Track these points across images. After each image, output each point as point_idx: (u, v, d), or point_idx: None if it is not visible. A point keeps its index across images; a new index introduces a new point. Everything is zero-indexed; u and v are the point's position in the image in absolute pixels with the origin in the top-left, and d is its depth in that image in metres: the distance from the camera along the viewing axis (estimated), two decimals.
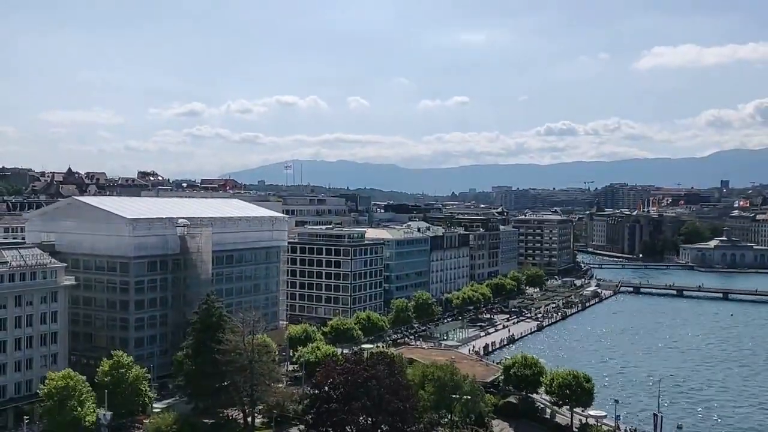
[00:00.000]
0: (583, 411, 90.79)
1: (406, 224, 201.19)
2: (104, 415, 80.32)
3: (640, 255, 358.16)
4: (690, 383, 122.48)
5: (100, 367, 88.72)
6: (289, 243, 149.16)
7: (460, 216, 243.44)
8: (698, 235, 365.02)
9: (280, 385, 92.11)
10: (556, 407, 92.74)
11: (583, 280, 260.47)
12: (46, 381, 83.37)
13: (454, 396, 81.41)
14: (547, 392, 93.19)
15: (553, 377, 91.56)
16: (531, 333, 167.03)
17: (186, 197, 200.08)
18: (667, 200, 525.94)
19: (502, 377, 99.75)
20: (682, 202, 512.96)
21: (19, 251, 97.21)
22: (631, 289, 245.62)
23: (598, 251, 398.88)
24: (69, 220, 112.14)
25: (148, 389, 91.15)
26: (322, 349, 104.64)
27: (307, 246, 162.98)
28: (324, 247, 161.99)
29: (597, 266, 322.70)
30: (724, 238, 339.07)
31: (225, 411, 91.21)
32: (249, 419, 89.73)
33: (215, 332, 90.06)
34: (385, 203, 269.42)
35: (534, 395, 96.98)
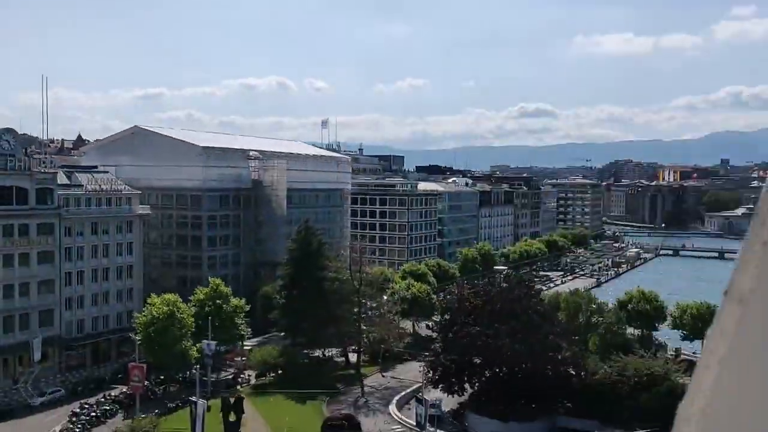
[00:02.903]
0: None
1: (452, 180, 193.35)
2: (208, 344, 72.27)
3: (663, 224, 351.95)
4: None
5: (194, 295, 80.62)
6: None
7: (499, 174, 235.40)
8: (722, 204, 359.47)
9: (389, 317, 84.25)
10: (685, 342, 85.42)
11: (619, 243, 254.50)
12: (146, 306, 75.38)
13: (596, 321, 74.21)
14: (674, 326, 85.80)
15: (684, 309, 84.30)
16: (592, 288, 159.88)
17: None
18: (676, 175, 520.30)
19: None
20: (695, 175, 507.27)
21: (92, 175, 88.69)
22: (671, 252, 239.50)
23: (617, 222, 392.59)
24: (132, 151, 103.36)
25: (243, 323, 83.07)
26: (416, 286, 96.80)
27: (359, 197, 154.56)
28: (378, 198, 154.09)
29: (623, 234, 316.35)
30: (751, 206, 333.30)
31: (326, 348, 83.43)
32: (355, 355, 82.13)
33: (316, 260, 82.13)
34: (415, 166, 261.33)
35: (654, 332, 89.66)
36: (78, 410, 64.72)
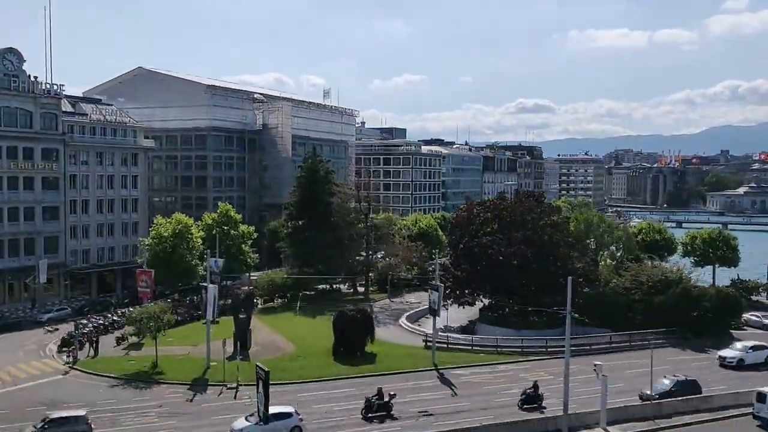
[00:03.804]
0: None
1: (456, 146, 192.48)
2: (215, 261, 71.24)
3: (665, 205, 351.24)
4: None
5: (202, 220, 79.79)
6: None
7: (503, 143, 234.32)
8: (724, 185, 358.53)
9: (398, 239, 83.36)
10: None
11: (623, 218, 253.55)
12: (154, 224, 74.61)
13: (608, 240, 73.37)
14: (685, 254, 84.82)
15: (694, 236, 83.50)
16: None
17: None
18: (678, 162, 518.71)
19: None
20: (695, 161, 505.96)
21: (97, 106, 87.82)
22: (674, 224, 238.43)
23: (618, 204, 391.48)
24: (135, 92, 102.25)
25: (251, 251, 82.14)
26: (423, 221, 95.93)
27: (362, 157, 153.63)
28: (382, 157, 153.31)
29: (626, 211, 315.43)
30: (753, 185, 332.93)
31: (334, 277, 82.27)
32: (364, 283, 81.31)
33: (324, 186, 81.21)
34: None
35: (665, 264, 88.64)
36: (85, 321, 63.93)
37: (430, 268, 78.91)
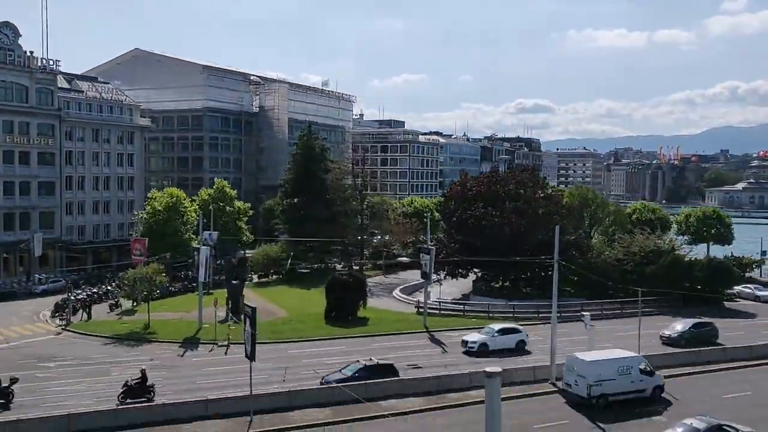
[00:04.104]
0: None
1: (454, 136, 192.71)
2: (210, 234, 71.51)
3: (664, 201, 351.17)
4: None
5: (199, 195, 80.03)
6: None
7: (501, 136, 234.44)
8: (723, 182, 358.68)
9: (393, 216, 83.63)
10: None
11: None
12: (148, 197, 74.88)
13: (601, 215, 73.62)
14: (679, 232, 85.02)
15: (688, 214, 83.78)
16: None
17: None
18: (678, 160, 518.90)
19: None
20: (694, 158, 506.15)
21: (94, 84, 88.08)
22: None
23: (617, 201, 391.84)
24: (132, 74, 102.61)
25: (246, 228, 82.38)
26: (418, 202, 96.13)
27: (360, 144, 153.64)
28: (379, 145, 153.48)
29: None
30: (752, 180, 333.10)
31: (328, 255, 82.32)
32: (359, 261, 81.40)
33: (319, 163, 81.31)
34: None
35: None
36: (79, 290, 64.12)
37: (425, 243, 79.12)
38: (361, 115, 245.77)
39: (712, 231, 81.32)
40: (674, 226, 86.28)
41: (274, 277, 78.54)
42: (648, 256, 61.72)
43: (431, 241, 62.40)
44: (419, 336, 49.88)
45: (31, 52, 77.86)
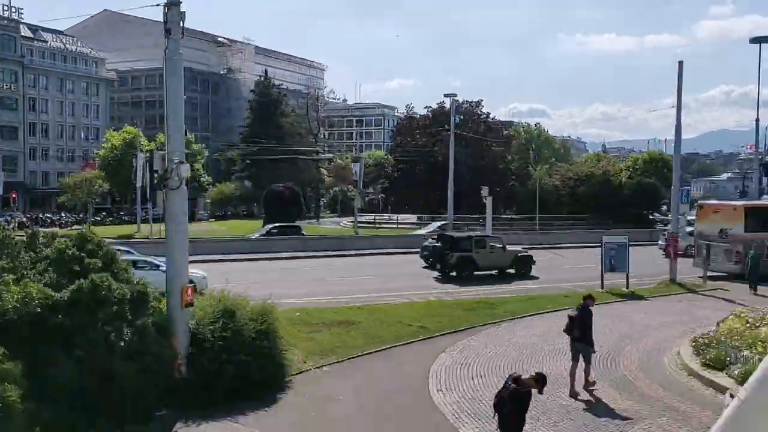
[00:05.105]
0: None
1: None
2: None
3: None
4: None
5: (157, 139, 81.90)
6: None
7: None
8: (709, 171, 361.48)
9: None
10: None
11: None
12: (104, 139, 76.89)
13: (545, 147, 75.95)
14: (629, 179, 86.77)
15: (636, 158, 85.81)
16: None
17: None
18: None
19: None
20: (684, 155, 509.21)
21: (58, 35, 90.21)
22: None
23: None
24: (101, 35, 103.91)
25: (204, 171, 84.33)
26: (376, 154, 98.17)
27: (336, 119, 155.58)
28: (355, 119, 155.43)
29: None
30: (736, 170, 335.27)
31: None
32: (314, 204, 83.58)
33: (276, 108, 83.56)
34: None
35: None
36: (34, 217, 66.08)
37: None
38: (345, 100, 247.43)
39: (660, 175, 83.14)
40: (623, 171, 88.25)
41: (230, 214, 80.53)
42: (581, 179, 63.93)
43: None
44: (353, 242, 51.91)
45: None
